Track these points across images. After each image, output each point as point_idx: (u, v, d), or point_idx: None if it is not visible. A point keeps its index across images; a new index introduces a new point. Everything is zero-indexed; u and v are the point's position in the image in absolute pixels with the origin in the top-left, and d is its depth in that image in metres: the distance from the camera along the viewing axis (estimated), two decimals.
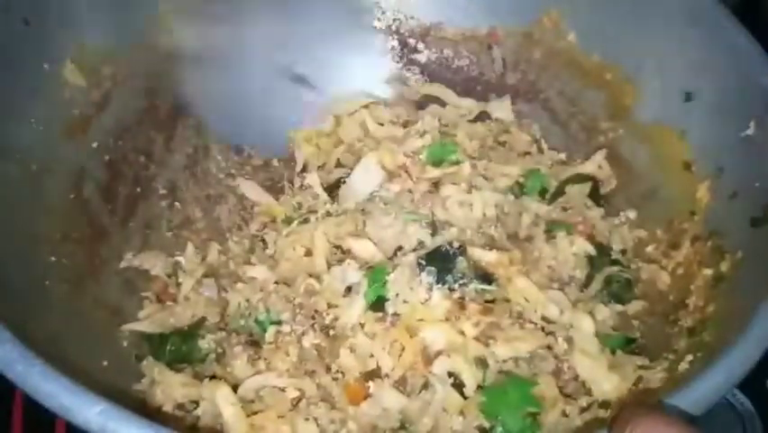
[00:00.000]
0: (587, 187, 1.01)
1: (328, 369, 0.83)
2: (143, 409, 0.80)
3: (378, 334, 0.83)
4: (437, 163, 1.03)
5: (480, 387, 0.81)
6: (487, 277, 0.87)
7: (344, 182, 1.02)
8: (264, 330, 0.88)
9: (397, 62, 1.17)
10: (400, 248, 0.91)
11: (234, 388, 0.80)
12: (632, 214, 0.99)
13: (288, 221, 1.00)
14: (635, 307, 0.91)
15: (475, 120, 1.12)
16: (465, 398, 0.80)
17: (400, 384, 0.82)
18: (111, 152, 0.97)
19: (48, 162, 0.87)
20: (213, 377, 0.84)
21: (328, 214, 0.98)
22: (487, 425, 0.78)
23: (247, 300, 0.91)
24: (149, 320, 0.91)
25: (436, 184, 0.99)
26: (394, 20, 1.16)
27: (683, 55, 0.93)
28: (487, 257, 0.88)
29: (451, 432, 0.78)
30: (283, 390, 0.81)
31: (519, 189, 1.02)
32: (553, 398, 0.80)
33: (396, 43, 1.16)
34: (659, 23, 0.96)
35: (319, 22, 1.13)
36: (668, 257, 0.92)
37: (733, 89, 0.87)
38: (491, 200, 0.96)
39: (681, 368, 0.74)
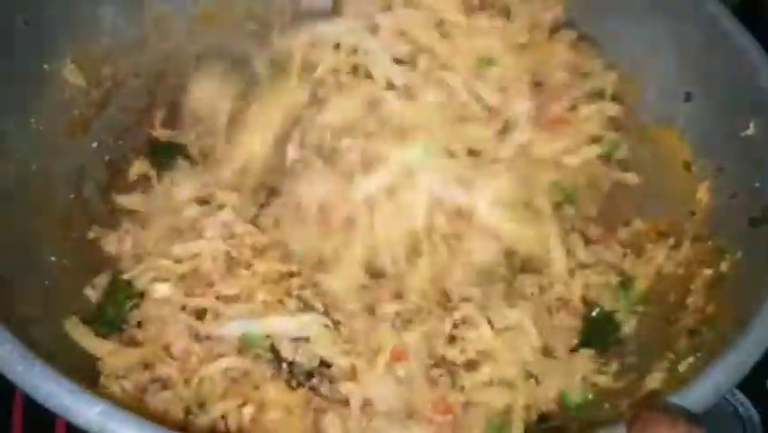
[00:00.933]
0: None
1: None
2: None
3: None
4: None
5: None
6: None
7: None
8: None
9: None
10: None
11: None
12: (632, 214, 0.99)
13: None
14: None
15: None
16: None
17: None
18: (111, 152, 0.97)
19: (48, 162, 0.87)
20: None
21: None
22: None
23: None
24: None
25: None
26: None
27: (683, 55, 0.93)
28: None
29: None
30: None
31: None
32: None
33: None
34: (659, 22, 0.96)
35: None
36: (668, 257, 0.92)
37: (733, 89, 0.87)
38: None
39: (680, 368, 0.74)
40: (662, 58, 0.96)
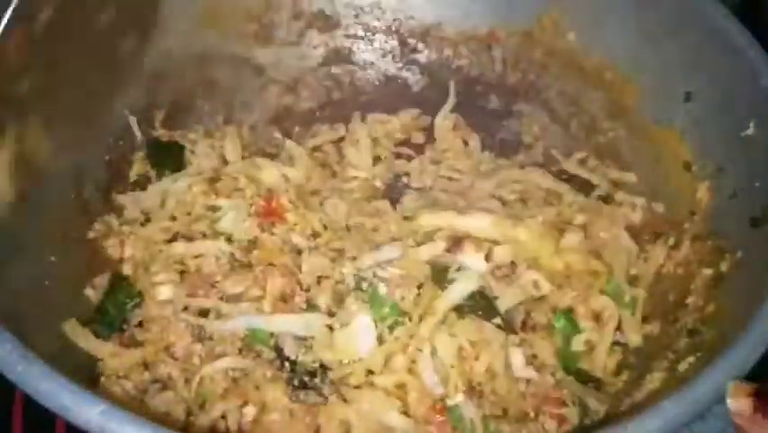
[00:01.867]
0: None
1: None
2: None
3: None
4: None
5: None
6: None
7: None
8: None
9: (397, 62, 1.17)
10: None
11: None
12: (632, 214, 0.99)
13: None
14: None
15: None
16: None
17: None
18: (111, 152, 0.97)
19: (48, 162, 0.87)
20: None
21: None
22: None
23: None
24: None
25: None
26: (394, 20, 1.16)
27: (683, 55, 0.93)
28: None
29: None
30: None
31: None
32: None
33: (396, 43, 1.17)
34: (659, 22, 0.96)
35: None
36: (668, 257, 0.92)
37: (733, 89, 0.87)
38: None
39: (680, 368, 0.74)
40: (662, 58, 0.96)
